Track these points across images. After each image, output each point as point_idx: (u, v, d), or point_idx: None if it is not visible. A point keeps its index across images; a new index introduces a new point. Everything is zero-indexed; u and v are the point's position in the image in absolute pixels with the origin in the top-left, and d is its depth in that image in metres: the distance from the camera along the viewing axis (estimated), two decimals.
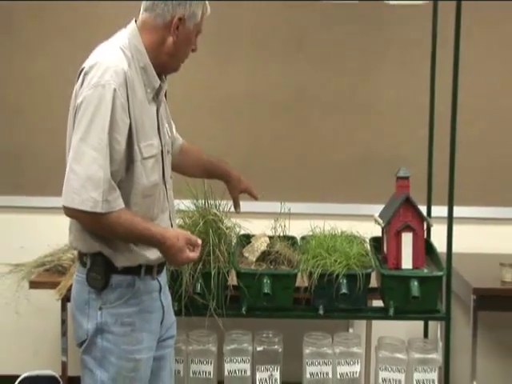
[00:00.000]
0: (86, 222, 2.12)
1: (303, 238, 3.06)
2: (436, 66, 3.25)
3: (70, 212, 2.09)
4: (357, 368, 2.95)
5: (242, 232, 3.05)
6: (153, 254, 2.20)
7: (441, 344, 3.12)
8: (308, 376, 2.95)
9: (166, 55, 2.23)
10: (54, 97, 3.66)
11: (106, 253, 2.19)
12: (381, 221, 2.96)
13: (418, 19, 3.42)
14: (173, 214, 2.37)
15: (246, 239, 3.03)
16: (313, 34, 3.78)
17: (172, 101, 2.65)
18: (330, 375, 2.95)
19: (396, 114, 3.79)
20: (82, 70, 2.14)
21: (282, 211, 2.90)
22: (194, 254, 2.19)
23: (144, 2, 2.22)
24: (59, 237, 3.33)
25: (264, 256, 2.89)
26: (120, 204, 2.10)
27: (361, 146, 3.80)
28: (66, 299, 3.16)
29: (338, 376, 2.95)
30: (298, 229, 2.98)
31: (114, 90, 2.06)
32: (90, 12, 3.77)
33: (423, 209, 3.02)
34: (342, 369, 2.95)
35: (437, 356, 2.98)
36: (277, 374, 2.94)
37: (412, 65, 3.71)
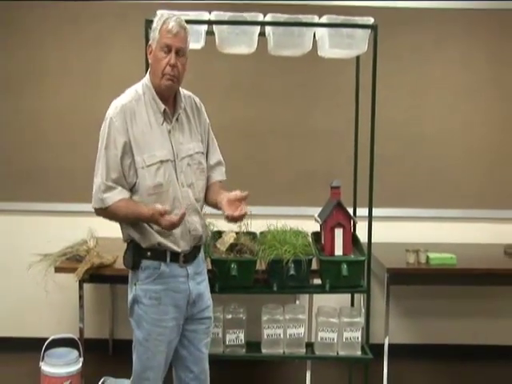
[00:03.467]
0: (103, 215, 2.20)
1: (261, 233, 3.01)
2: (359, 104, 3.19)
3: (95, 211, 2.20)
4: (302, 330, 2.92)
5: (216, 229, 3.01)
6: (162, 239, 2.19)
7: (363, 310, 3.09)
8: (265, 337, 2.93)
9: (151, 76, 2.22)
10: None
11: (135, 237, 2.21)
12: (319, 220, 2.94)
13: (344, 69, 3.36)
14: (188, 211, 2.22)
15: (219, 234, 2.98)
16: (268, 82, 3.77)
17: None
18: (282, 336, 2.92)
19: (330, 140, 3.80)
20: None
21: None
22: (169, 218, 2.09)
23: None
24: (76, 234, 3.28)
25: (232, 247, 2.84)
26: (115, 199, 2.14)
27: (304, 164, 3.81)
28: (82, 281, 3.08)
29: (288, 336, 2.92)
30: (257, 226, 2.94)
31: (111, 118, 2.15)
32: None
33: (350, 210, 2.98)
34: (291, 331, 2.92)
35: (360, 319, 2.96)
36: (242, 336, 2.89)
37: (341, 103, 3.69)
